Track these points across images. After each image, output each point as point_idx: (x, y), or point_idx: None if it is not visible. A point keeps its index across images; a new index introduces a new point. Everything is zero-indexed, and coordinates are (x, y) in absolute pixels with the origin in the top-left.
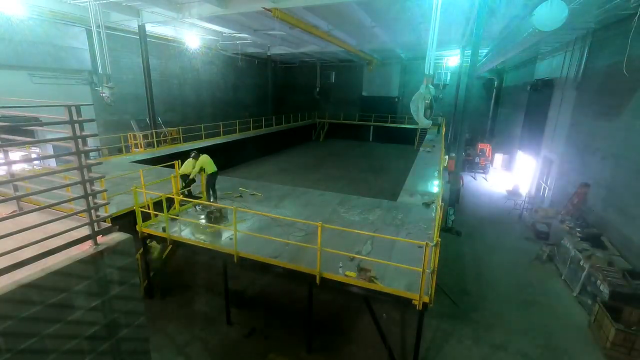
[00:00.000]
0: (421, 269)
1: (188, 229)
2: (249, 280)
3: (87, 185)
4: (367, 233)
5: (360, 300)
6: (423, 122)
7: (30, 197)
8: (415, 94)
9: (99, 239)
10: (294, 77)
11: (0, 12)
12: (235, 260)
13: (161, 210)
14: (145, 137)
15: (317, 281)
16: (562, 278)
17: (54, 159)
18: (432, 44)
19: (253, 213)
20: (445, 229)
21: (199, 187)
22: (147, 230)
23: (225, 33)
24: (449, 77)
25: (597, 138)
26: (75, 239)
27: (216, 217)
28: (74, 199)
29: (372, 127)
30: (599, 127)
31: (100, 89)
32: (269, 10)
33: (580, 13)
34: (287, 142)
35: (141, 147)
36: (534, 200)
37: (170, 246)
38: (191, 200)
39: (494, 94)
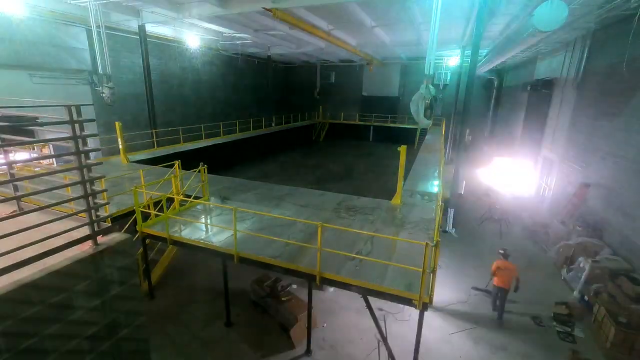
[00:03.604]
0: (421, 269)
1: (188, 229)
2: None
3: (87, 185)
4: (367, 233)
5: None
6: (423, 122)
7: (31, 197)
8: (415, 94)
9: (99, 239)
10: (294, 77)
11: (0, 12)
12: (235, 260)
13: (161, 210)
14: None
15: (317, 281)
16: (562, 278)
17: (54, 159)
18: (432, 44)
19: (253, 213)
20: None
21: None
22: (147, 230)
23: (225, 33)
24: (449, 77)
25: (597, 138)
26: (75, 239)
27: None
28: (74, 199)
29: (372, 127)
30: (599, 127)
31: (100, 89)
32: (269, 10)
33: (580, 13)
34: (287, 142)
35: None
36: (533, 202)
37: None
38: (191, 199)
39: (494, 94)
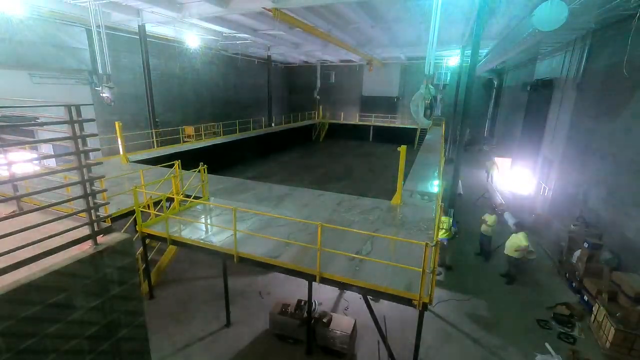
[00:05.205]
0: (421, 269)
1: (188, 229)
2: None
3: (87, 185)
4: (367, 233)
5: None
6: (423, 122)
7: (30, 197)
8: (415, 94)
9: (99, 239)
10: (294, 77)
11: (0, 12)
12: (235, 260)
13: (161, 210)
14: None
15: (317, 280)
16: (564, 277)
17: (54, 159)
18: (432, 44)
19: (253, 213)
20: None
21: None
22: (147, 230)
23: (225, 33)
24: (449, 77)
25: (597, 138)
26: (75, 239)
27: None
28: (74, 198)
29: (372, 127)
30: (599, 127)
31: (100, 89)
32: (269, 10)
33: (580, 13)
34: (287, 142)
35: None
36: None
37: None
38: (191, 199)
39: (493, 94)
